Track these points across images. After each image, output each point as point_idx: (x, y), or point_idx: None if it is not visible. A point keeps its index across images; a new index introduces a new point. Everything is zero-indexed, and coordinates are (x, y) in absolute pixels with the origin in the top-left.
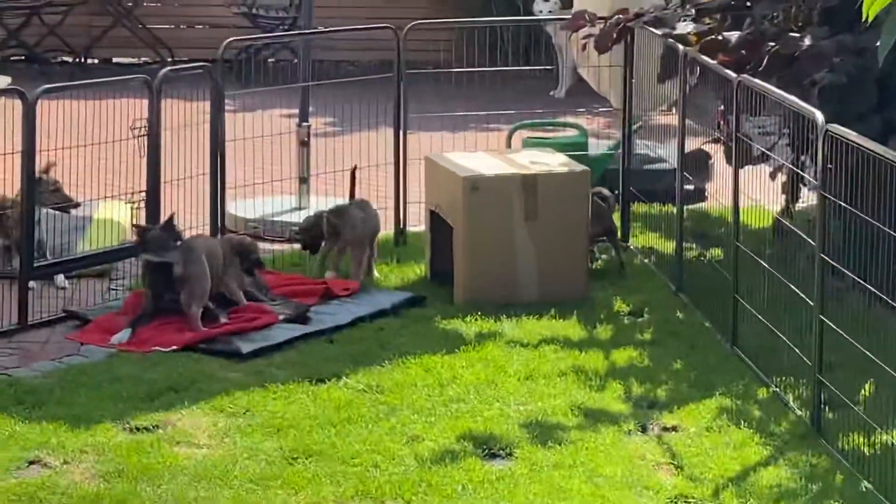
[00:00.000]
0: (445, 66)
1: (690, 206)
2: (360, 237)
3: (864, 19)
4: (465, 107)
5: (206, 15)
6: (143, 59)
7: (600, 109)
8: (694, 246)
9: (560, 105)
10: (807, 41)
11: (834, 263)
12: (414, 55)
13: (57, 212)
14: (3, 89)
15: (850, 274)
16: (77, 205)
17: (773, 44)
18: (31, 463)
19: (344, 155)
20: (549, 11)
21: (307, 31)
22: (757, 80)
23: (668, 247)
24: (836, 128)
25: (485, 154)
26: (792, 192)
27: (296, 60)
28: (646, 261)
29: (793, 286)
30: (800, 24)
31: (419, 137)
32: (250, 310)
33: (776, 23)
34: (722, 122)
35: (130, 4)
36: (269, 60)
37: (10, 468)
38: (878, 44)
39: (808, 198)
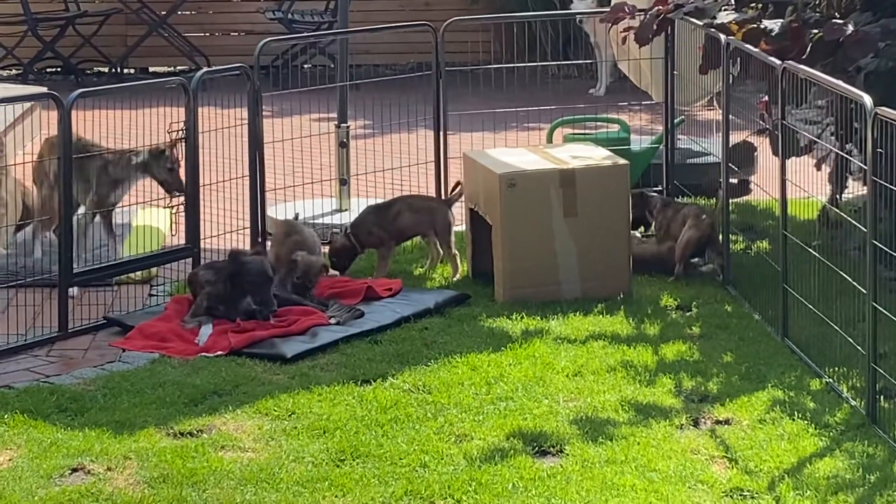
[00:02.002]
0: (482, 65)
1: (735, 199)
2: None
3: None
4: (504, 106)
5: (240, 22)
6: (178, 67)
7: (643, 104)
8: (740, 238)
9: (598, 102)
10: (850, 27)
11: (886, 249)
12: (450, 56)
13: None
14: (38, 94)
15: None
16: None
17: (815, 31)
18: (75, 470)
19: (383, 156)
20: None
21: (345, 31)
22: (803, 67)
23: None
24: (886, 111)
25: (524, 149)
26: (838, 181)
27: (332, 65)
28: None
29: (844, 274)
30: (842, 10)
31: (459, 138)
32: (294, 312)
33: (818, 10)
34: (765, 113)
35: (165, 13)
36: (305, 66)
37: (53, 476)
38: None
39: (853, 188)
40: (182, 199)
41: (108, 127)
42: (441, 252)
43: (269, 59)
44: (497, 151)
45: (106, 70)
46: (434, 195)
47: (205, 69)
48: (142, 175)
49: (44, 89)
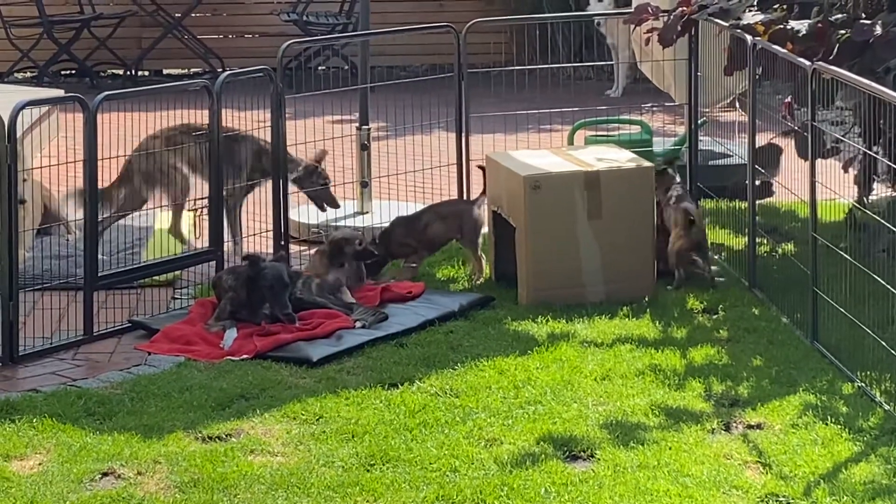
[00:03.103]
0: (499, 67)
1: (759, 201)
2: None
3: None
4: (520, 108)
5: (256, 24)
6: (193, 69)
7: (664, 105)
8: (765, 241)
9: (617, 103)
10: (878, 28)
11: None
12: (467, 58)
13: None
14: (64, 97)
15: None
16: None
17: (842, 32)
18: (105, 475)
19: (405, 158)
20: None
21: (366, 33)
22: (833, 67)
23: (739, 242)
24: None
25: (547, 152)
26: (865, 183)
27: (346, 67)
28: (717, 257)
29: (878, 277)
30: (869, 10)
31: (481, 139)
32: (318, 315)
33: (845, 10)
34: (788, 115)
35: (179, 15)
36: (321, 68)
37: (83, 480)
38: None
39: (878, 189)
40: (205, 201)
41: (130, 129)
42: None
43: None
44: (520, 153)
45: (121, 73)
46: (458, 198)
47: (228, 71)
48: (291, 185)
49: (61, 92)
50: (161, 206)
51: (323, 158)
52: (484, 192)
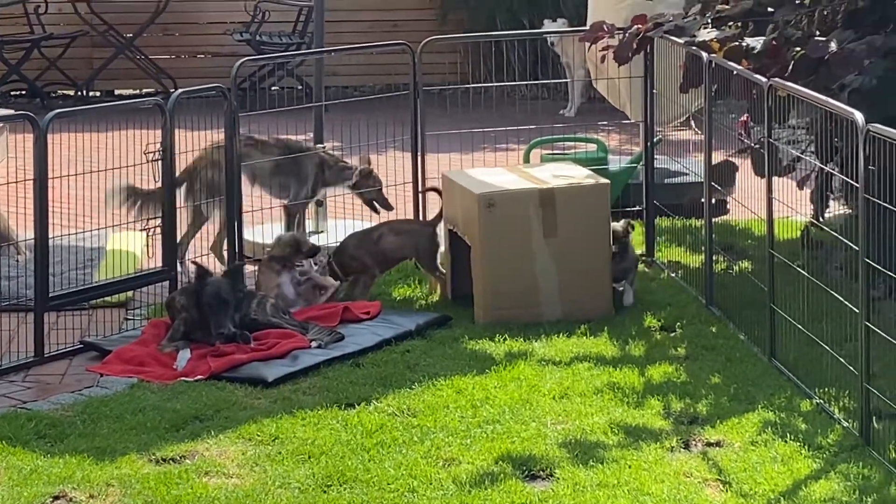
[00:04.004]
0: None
1: (715, 219)
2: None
3: None
4: (473, 126)
5: (208, 44)
6: (145, 90)
7: (621, 122)
8: (722, 258)
9: (572, 123)
10: (833, 45)
11: (880, 268)
12: (422, 77)
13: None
14: (13, 115)
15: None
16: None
17: (797, 49)
18: (56, 498)
19: None
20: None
21: (321, 51)
22: (790, 84)
23: (695, 260)
24: (879, 128)
25: (503, 169)
26: (821, 200)
27: (300, 87)
28: (673, 275)
29: (835, 293)
30: (824, 27)
31: (437, 158)
32: (273, 336)
33: (800, 28)
34: (744, 132)
35: (131, 35)
36: (274, 88)
37: None
38: None
39: (833, 207)
40: (158, 220)
41: (82, 148)
42: (445, 275)
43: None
44: (476, 171)
45: (72, 93)
46: (414, 217)
47: (181, 90)
48: (348, 190)
49: (11, 112)
50: (113, 226)
51: (370, 162)
52: (441, 214)
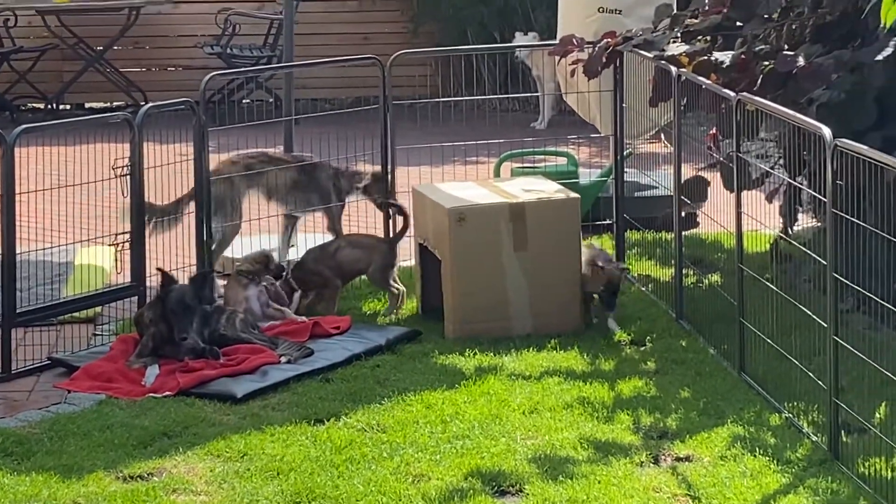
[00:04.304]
0: (424, 98)
1: (685, 233)
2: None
3: (882, 25)
4: (444, 139)
5: (179, 57)
6: (115, 102)
7: (590, 136)
8: (692, 272)
9: (543, 136)
10: (801, 59)
11: (847, 282)
12: (392, 90)
13: None
14: None
15: (864, 292)
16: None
17: (766, 63)
18: None
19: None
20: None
21: (291, 65)
22: (758, 99)
23: (665, 274)
24: (846, 143)
25: (473, 183)
26: (790, 213)
27: (271, 100)
28: (643, 289)
29: (804, 308)
30: (792, 42)
31: (407, 172)
32: (242, 351)
33: (768, 42)
34: (713, 146)
35: (101, 48)
36: (245, 101)
37: None
38: (877, 58)
39: (803, 220)
40: (127, 235)
41: (50, 163)
42: (403, 289)
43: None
44: (446, 185)
45: (41, 106)
46: (382, 231)
47: (149, 104)
48: (361, 195)
49: None
50: (81, 241)
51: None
52: (404, 230)
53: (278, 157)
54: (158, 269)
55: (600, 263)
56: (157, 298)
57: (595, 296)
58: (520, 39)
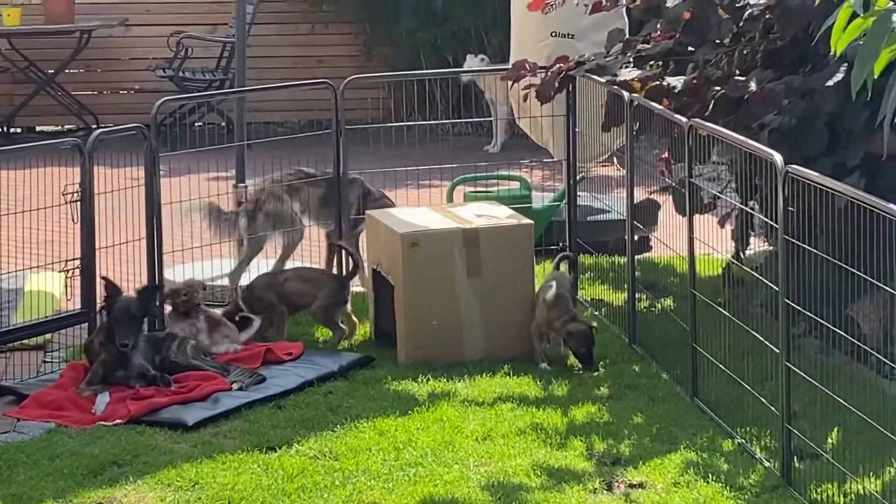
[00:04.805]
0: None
1: (637, 256)
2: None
3: (832, 53)
4: (400, 164)
5: (131, 80)
6: (67, 126)
7: (543, 160)
8: (645, 296)
9: (496, 159)
10: (753, 84)
11: (799, 308)
12: (345, 113)
13: None
14: None
15: (816, 318)
16: None
17: (717, 88)
18: None
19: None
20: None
21: (243, 90)
22: (710, 124)
23: (618, 298)
24: (797, 169)
25: (427, 209)
26: (742, 238)
27: (223, 123)
28: (596, 313)
29: (755, 333)
30: (744, 67)
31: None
32: (193, 378)
33: (720, 67)
34: (666, 170)
35: (52, 71)
36: (197, 124)
37: None
38: (828, 84)
39: (755, 244)
40: (77, 262)
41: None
42: (355, 322)
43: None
44: (399, 211)
45: None
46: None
47: (100, 129)
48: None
49: None
50: (31, 268)
51: None
52: (354, 272)
53: (312, 173)
54: (103, 277)
55: (568, 327)
56: (107, 323)
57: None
58: (470, 61)
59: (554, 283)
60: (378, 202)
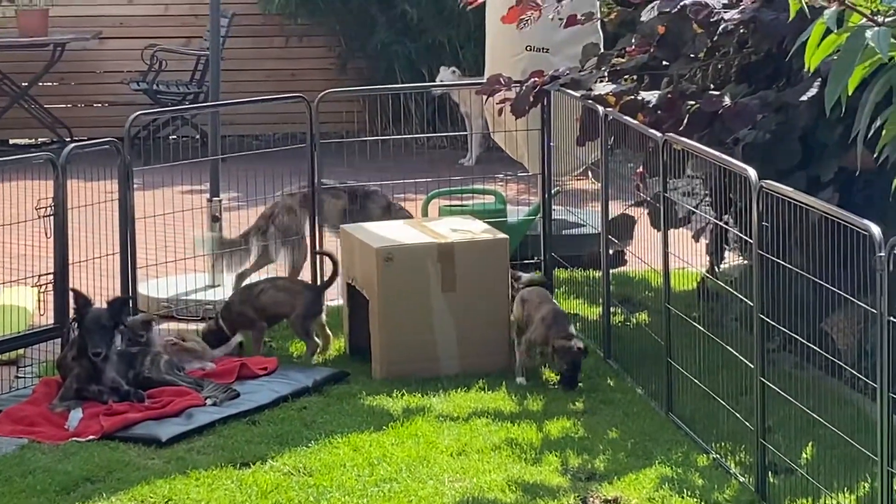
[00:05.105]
0: (350, 137)
1: (613, 271)
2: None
3: (806, 69)
4: (375, 178)
5: (105, 93)
6: (41, 139)
7: (518, 174)
8: (619, 310)
9: (471, 173)
10: (727, 99)
11: (773, 324)
12: (319, 127)
13: None
14: None
15: (790, 333)
16: None
17: (692, 102)
18: None
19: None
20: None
21: (217, 104)
22: (684, 139)
23: (593, 312)
24: (771, 184)
25: (402, 223)
26: (717, 252)
27: (197, 136)
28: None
29: (730, 348)
30: (717, 81)
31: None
32: (167, 393)
33: (694, 81)
34: (641, 184)
35: (26, 84)
36: (171, 137)
37: None
38: (802, 98)
39: (729, 258)
40: (51, 276)
41: None
42: (329, 336)
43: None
44: (374, 225)
45: None
46: (311, 274)
47: (73, 144)
48: None
49: None
50: (3, 282)
51: None
52: (333, 277)
53: (332, 186)
54: (72, 289)
55: (556, 343)
56: (79, 336)
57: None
58: (443, 73)
59: (546, 300)
60: (399, 213)
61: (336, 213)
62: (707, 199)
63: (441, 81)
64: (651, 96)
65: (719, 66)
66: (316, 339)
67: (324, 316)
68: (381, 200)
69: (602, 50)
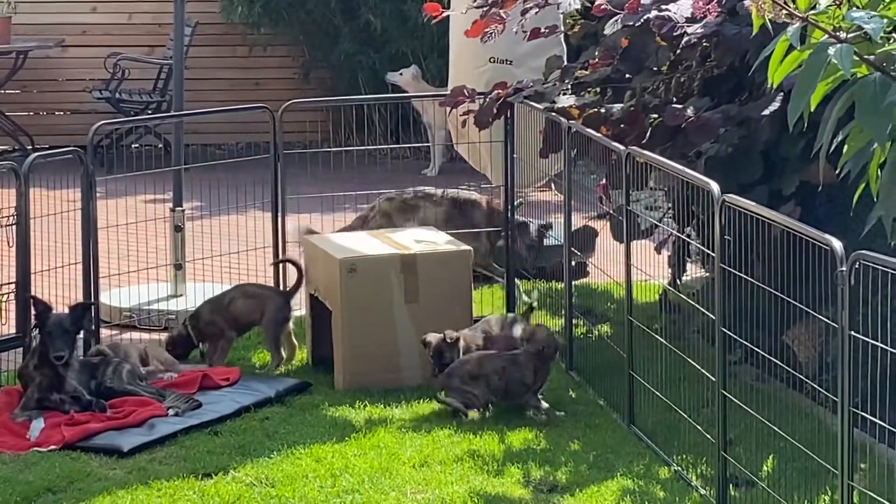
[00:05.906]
0: (314, 146)
1: (575, 282)
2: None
3: (769, 84)
4: (338, 188)
5: (67, 101)
6: (2, 147)
7: (481, 185)
8: (581, 322)
9: (434, 183)
10: (690, 112)
11: (735, 337)
12: (283, 137)
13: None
14: None
15: (751, 346)
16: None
17: (655, 116)
18: None
19: (220, 239)
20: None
21: (180, 113)
22: (647, 153)
23: (555, 324)
24: (734, 198)
25: (365, 234)
26: (678, 264)
27: (160, 145)
28: None
29: (692, 361)
30: (680, 95)
31: (298, 220)
32: (129, 403)
33: (657, 94)
34: (604, 197)
35: None
36: (134, 146)
37: None
38: (764, 113)
39: (691, 270)
40: (12, 286)
41: None
42: (294, 346)
43: (98, 140)
44: (338, 235)
45: None
46: (273, 283)
47: (36, 154)
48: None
49: None
50: None
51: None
52: (299, 284)
53: (432, 195)
54: (31, 296)
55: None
56: (40, 344)
57: None
58: (405, 72)
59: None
60: (499, 218)
61: (436, 219)
62: (670, 211)
63: (401, 77)
64: (614, 109)
65: (682, 80)
66: (282, 351)
67: (291, 324)
68: (483, 209)
69: (566, 62)
